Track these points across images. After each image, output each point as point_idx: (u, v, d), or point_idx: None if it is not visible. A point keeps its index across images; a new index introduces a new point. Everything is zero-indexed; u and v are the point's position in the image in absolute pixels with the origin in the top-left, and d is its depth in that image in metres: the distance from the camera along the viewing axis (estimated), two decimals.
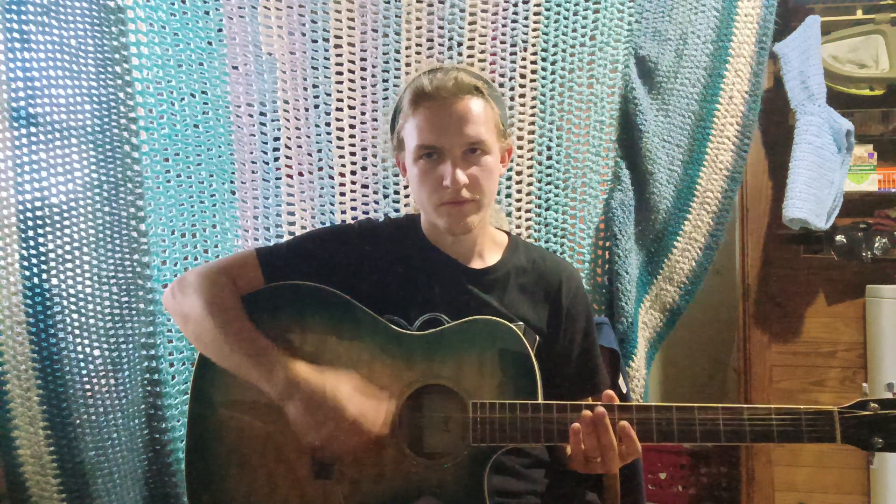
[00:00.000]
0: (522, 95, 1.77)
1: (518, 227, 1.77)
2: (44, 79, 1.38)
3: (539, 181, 1.78)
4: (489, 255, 1.34)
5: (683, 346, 2.87)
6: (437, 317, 1.25)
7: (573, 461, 1.16)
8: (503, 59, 1.75)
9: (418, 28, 1.71)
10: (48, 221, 1.39)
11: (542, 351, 1.26)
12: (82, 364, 1.42)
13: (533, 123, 1.77)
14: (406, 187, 1.72)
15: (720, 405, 1.07)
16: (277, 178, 1.68)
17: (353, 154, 1.72)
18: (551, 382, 1.24)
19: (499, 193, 1.74)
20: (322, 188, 1.71)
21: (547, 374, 1.20)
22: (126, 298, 1.48)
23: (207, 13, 1.59)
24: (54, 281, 1.40)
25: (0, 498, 1.38)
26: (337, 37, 1.68)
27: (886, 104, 2.36)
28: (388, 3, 1.69)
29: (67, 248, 1.41)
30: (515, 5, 1.74)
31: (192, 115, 1.58)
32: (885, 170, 2.36)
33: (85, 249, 1.43)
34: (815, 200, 2.13)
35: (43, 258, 1.39)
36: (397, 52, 1.71)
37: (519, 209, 1.78)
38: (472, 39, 1.74)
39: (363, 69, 1.70)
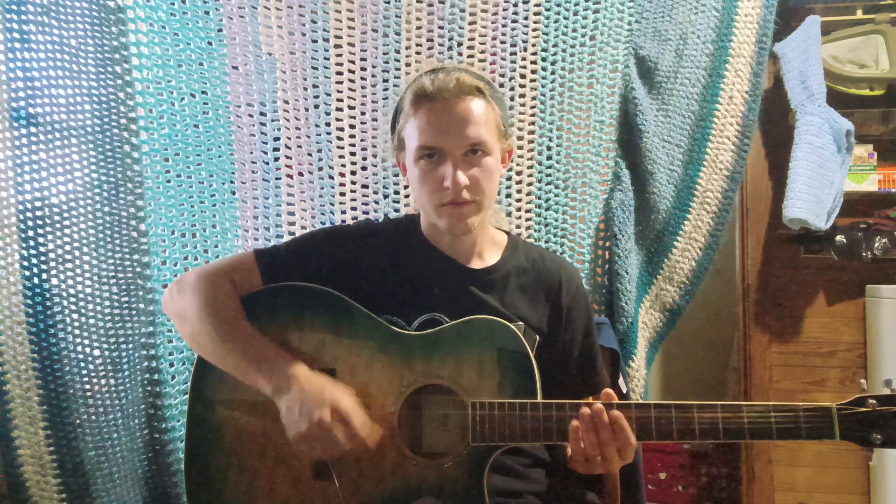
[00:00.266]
0: (522, 95, 1.77)
1: (518, 227, 1.77)
2: (44, 79, 1.38)
3: (539, 181, 1.78)
4: (489, 255, 1.34)
5: (683, 346, 2.87)
6: (436, 317, 1.25)
7: (573, 461, 1.16)
8: (503, 59, 1.75)
9: (418, 28, 1.71)
10: (48, 221, 1.39)
11: (542, 350, 1.26)
12: (82, 364, 1.42)
13: (533, 123, 1.77)
14: (406, 187, 1.72)
15: (719, 402, 1.07)
16: (277, 178, 1.68)
17: (353, 154, 1.72)
18: (551, 382, 1.24)
19: (499, 193, 1.74)
20: (322, 188, 1.71)
21: (547, 373, 1.20)
22: (126, 298, 1.48)
23: (207, 13, 1.59)
24: (54, 281, 1.40)
25: (0, 498, 1.39)
26: (337, 37, 1.68)
27: (886, 104, 2.36)
28: (388, 3, 1.69)
29: (67, 248, 1.41)
30: (515, 5, 1.74)
31: (192, 115, 1.58)
32: (885, 170, 2.36)
33: (85, 249, 1.43)
34: (815, 200, 2.13)
35: (43, 258, 1.39)
36: (397, 52, 1.71)
37: (519, 209, 1.78)
38: (472, 39, 1.74)
39: (363, 69, 1.70)
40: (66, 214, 1.41)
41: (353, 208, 1.73)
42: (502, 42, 1.75)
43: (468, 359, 1.18)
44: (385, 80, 1.71)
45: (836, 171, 2.18)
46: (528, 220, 1.79)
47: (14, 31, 1.35)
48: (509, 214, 1.77)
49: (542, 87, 1.76)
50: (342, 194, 1.72)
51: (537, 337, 1.27)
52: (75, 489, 1.41)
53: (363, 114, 1.71)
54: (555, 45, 1.76)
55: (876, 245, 2.34)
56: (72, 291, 1.42)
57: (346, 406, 1.11)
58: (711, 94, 1.84)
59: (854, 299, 2.43)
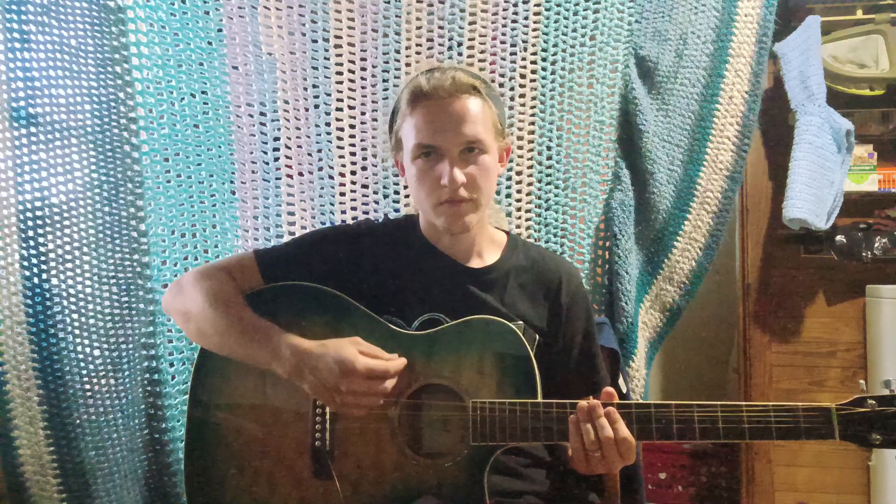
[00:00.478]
0: (522, 95, 1.77)
1: (518, 227, 1.77)
2: (44, 79, 1.38)
3: (539, 181, 1.78)
4: (488, 254, 1.34)
5: (683, 346, 2.88)
6: (436, 317, 1.25)
7: (574, 461, 1.16)
8: (503, 59, 1.75)
9: (418, 28, 1.71)
10: (48, 221, 1.39)
11: (541, 350, 1.26)
12: (82, 364, 1.42)
13: (533, 123, 1.77)
14: (406, 187, 1.72)
15: (719, 402, 1.07)
16: (277, 178, 1.68)
17: (353, 154, 1.72)
18: (551, 382, 1.24)
19: (498, 193, 1.74)
20: (322, 188, 1.71)
21: (547, 373, 1.20)
22: (126, 298, 1.48)
23: (207, 13, 1.59)
24: (54, 281, 1.40)
25: (0, 498, 1.39)
26: (337, 37, 1.68)
27: (886, 104, 2.36)
28: (388, 3, 1.69)
29: (67, 248, 1.41)
30: (515, 5, 1.74)
31: (192, 115, 1.58)
32: (885, 170, 2.36)
33: (85, 249, 1.43)
34: (815, 200, 2.13)
35: (43, 258, 1.39)
36: (397, 52, 1.71)
37: (519, 209, 1.78)
38: (472, 39, 1.74)
39: (363, 69, 1.70)
40: (66, 214, 1.41)
41: (353, 208, 1.73)
42: (502, 42, 1.75)
43: (468, 359, 1.18)
44: (385, 80, 1.71)
45: (836, 171, 2.18)
46: (528, 220, 1.79)
47: (14, 31, 1.35)
48: (509, 214, 1.77)
49: (542, 87, 1.76)
50: (342, 194, 1.72)
51: (537, 336, 1.27)
52: (75, 489, 1.41)
53: (363, 114, 1.71)
54: (555, 45, 1.76)
55: (876, 245, 2.34)
56: (72, 291, 1.42)
57: (362, 363, 1.11)
58: (711, 94, 1.84)
59: (854, 299, 2.43)
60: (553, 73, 1.76)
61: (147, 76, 1.51)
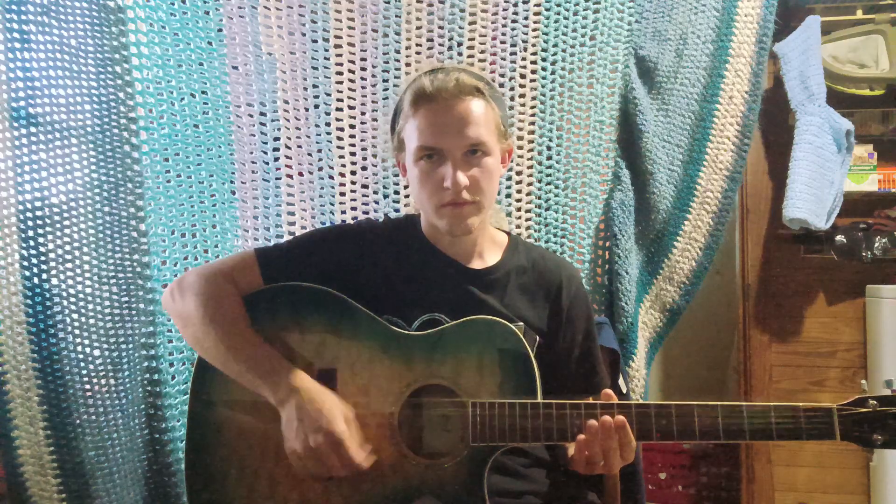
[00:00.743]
0: (522, 95, 1.77)
1: (518, 227, 1.77)
2: (44, 79, 1.38)
3: (539, 181, 1.78)
4: (489, 255, 1.34)
5: (683, 346, 2.87)
6: (436, 317, 1.25)
7: (575, 463, 1.16)
8: (503, 59, 1.75)
9: (418, 28, 1.71)
10: (48, 221, 1.39)
11: (542, 351, 1.26)
12: (82, 364, 1.42)
13: (533, 123, 1.77)
14: (406, 187, 1.72)
15: (719, 403, 1.07)
16: (277, 178, 1.68)
17: (353, 154, 1.72)
18: (551, 382, 1.24)
19: (499, 193, 1.74)
20: (322, 188, 1.71)
21: (547, 374, 1.20)
22: (126, 298, 1.48)
23: (207, 13, 1.59)
24: (54, 281, 1.40)
25: (0, 498, 1.38)
26: (337, 37, 1.68)
27: (886, 104, 2.36)
28: (388, 3, 1.69)
29: (67, 248, 1.41)
30: (515, 5, 1.74)
31: (192, 115, 1.58)
32: (885, 170, 2.36)
33: (85, 249, 1.43)
34: (815, 200, 2.13)
35: (43, 258, 1.39)
36: (397, 52, 1.71)
37: (519, 209, 1.78)
38: (472, 39, 1.74)
39: (363, 69, 1.70)
40: (66, 214, 1.41)
41: (353, 208, 1.73)
42: (502, 42, 1.75)
43: (468, 359, 1.18)
44: (385, 80, 1.71)
45: (836, 171, 2.18)
46: (528, 220, 1.79)
47: (14, 31, 1.35)
48: (509, 214, 1.77)
49: (542, 87, 1.76)
50: (342, 194, 1.72)
51: (537, 337, 1.27)
52: (75, 489, 1.41)
53: (363, 114, 1.71)
54: (555, 45, 1.76)
55: (876, 245, 2.34)
56: (72, 291, 1.42)
57: (342, 432, 1.11)
58: (711, 94, 1.84)
59: (854, 299, 2.43)
60: (553, 73, 1.76)
61: (147, 76, 1.51)
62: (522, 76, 1.76)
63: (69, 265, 1.41)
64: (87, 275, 1.43)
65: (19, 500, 1.37)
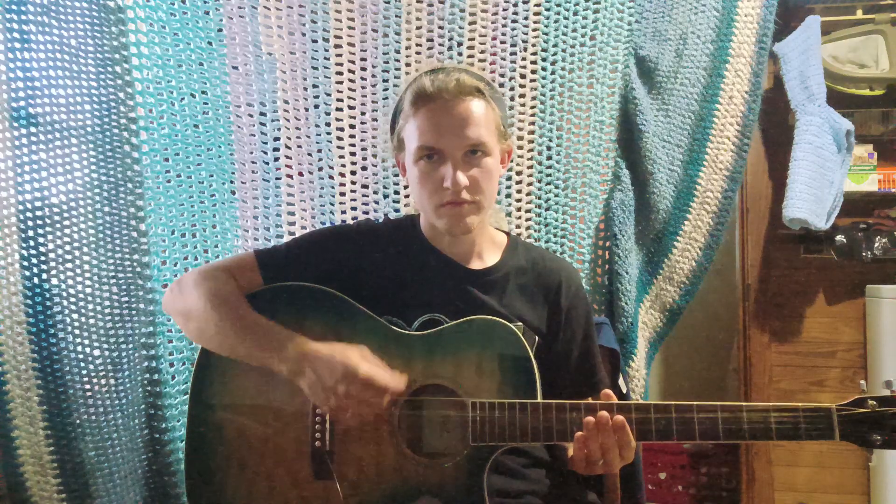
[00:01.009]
0: (522, 95, 1.77)
1: (518, 227, 1.77)
2: (44, 79, 1.38)
3: (539, 181, 1.78)
4: (488, 255, 1.34)
5: (683, 346, 2.88)
6: (436, 317, 1.25)
7: (574, 463, 1.16)
8: (503, 59, 1.75)
9: (418, 28, 1.71)
10: (48, 221, 1.39)
11: (541, 351, 1.26)
12: (82, 364, 1.42)
13: (533, 123, 1.77)
14: (406, 187, 1.72)
15: (719, 403, 1.07)
16: (277, 178, 1.68)
17: (353, 154, 1.72)
18: (551, 383, 1.24)
19: (499, 193, 1.74)
20: (322, 188, 1.71)
21: (546, 374, 1.20)
22: (126, 298, 1.48)
23: (207, 13, 1.59)
24: (54, 281, 1.40)
25: (0, 498, 1.39)
26: (337, 37, 1.68)
27: (886, 104, 2.36)
28: (388, 3, 1.68)
29: (67, 248, 1.41)
30: (515, 5, 1.74)
31: (192, 115, 1.58)
32: (885, 170, 2.36)
33: (85, 249, 1.43)
34: (815, 200, 2.13)
35: (43, 258, 1.39)
36: (397, 52, 1.71)
37: (519, 209, 1.78)
38: (472, 39, 1.74)
39: (363, 69, 1.70)
40: (66, 214, 1.41)
41: (353, 208, 1.73)
42: (502, 42, 1.75)
43: (468, 359, 1.18)
44: (385, 80, 1.71)
45: (836, 171, 2.18)
46: (528, 220, 1.79)
47: (14, 31, 1.35)
48: (509, 214, 1.77)
49: (542, 87, 1.76)
50: (342, 194, 1.72)
51: (536, 338, 1.27)
52: (75, 489, 1.41)
53: (363, 114, 1.71)
54: (555, 45, 1.76)
55: (876, 245, 2.35)
56: (72, 291, 1.42)
57: (366, 371, 1.11)
58: (711, 94, 1.84)
59: (854, 299, 2.43)
60: (553, 73, 1.76)
61: (147, 76, 1.51)
62: (522, 76, 1.76)
63: (69, 265, 1.41)
64: (87, 275, 1.43)
65: (19, 500, 1.37)
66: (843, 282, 2.44)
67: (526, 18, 1.75)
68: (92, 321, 1.43)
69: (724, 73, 1.83)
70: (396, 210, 1.74)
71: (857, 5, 2.33)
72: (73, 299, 1.42)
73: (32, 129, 1.38)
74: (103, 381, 1.44)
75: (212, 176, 1.62)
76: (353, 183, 1.72)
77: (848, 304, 2.44)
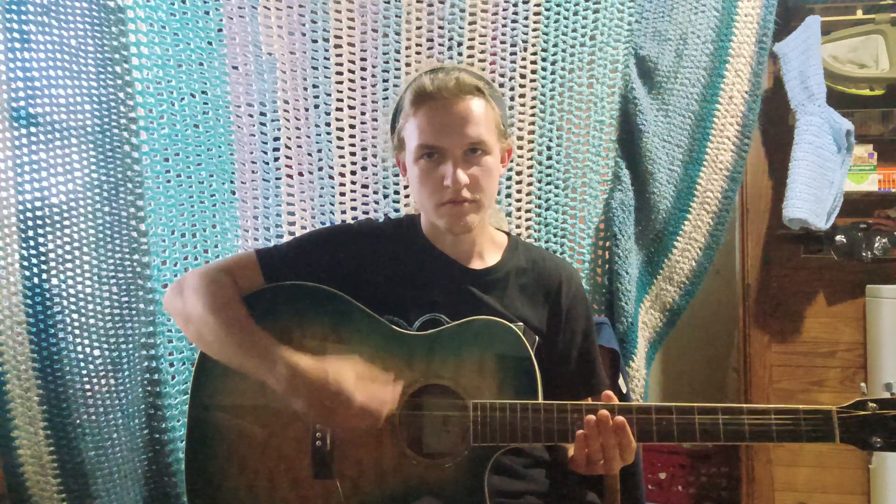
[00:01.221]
0: (522, 95, 1.77)
1: (518, 227, 1.77)
2: (44, 79, 1.38)
3: (539, 181, 1.78)
4: (489, 255, 1.34)
5: (683, 346, 2.88)
6: (436, 317, 1.25)
7: (574, 463, 1.16)
8: (503, 59, 1.75)
9: (418, 28, 1.71)
10: (48, 221, 1.39)
11: (541, 351, 1.26)
12: (82, 364, 1.42)
13: (533, 123, 1.77)
14: (406, 187, 1.72)
15: (719, 405, 1.07)
16: (277, 178, 1.68)
17: (353, 154, 1.72)
18: (551, 383, 1.24)
19: (499, 193, 1.74)
20: (322, 188, 1.71)
21: (546, 374, 1.20)
22: (126, 298, 1.48)
23: (207, 13, 1.59)
24: (54, 281, 1.40)
25: (0, 498, 1.38)
26: (337, 37, 1.68)
27: (886, 104, 2.36)
28: (388, 3, 1.69)
29: (67, 248, 1.41)
30: (515, 5, 1.74)
31: (192, 115, 1.58)
32: (885, 170, 2.36)
33: (85, 249, 1.43)
34: (815, 200, 2.13)
35: (43, 258, 1.39)
36: (397, 52, 1.71)
37: (519, 209, 1.78)
38: (472, 39, 1.74)
39: (363, 69, 1.70)
40: (66, 214, 1.41)
41: (353, 208, 1.73)
42: (502, 42, 1.75)
43: (469, 359, 1.18)
44: (385, 80, 1.71)
45: (836, 171, 2.18)
46: (528, 220, 1.79)
47: (14, 31, 1.35)
48: (509, 214, 1.77)
49: (542, 87, 1.76)
50: (342, 194, 1.72)
51: (537, 338, 1.27)
52: (75, 489, 1.41)
53: (363, 114, 1.71)
54: (555, 45, 1.76)
55: (876, 245, 2.35)
56: (72, 291, 1.42)
57: (359, 401, 1.10)
58: (711, 94, 1.84)
59: (854, 299, 2.43)
60: (553, 73, 1.76)
61: (147, 76, 1.51)
62: (522, 76, 1.76)
63: (69, 265, 1.41)
64: (87, 275, 1.43)
65: (19, 500, 1.37)
66: (843, 282, 2.44)
67: (526, 18, 1.75)
68: (92, 321, 1.43)
69: (724, 73, 1.83)
70: (396, 210, 1.74)
71: (857, 5, 2.33)
72: (73, 299, 1.42)
73: (32, 129, 1.38)
74: (103, 381, 1.44)
75: (212, 176, 1.62)
76: (353, 183, 1.72)
77: (848, 304, 2.44)
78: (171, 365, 1.55)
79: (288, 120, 1.67)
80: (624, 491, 1.44)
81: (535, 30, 1.75)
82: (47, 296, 1.39)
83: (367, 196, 1.73)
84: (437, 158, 1.21)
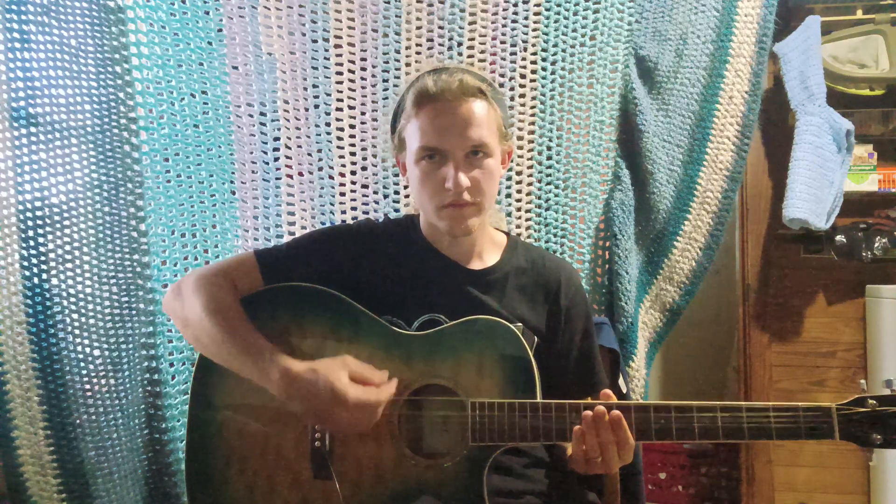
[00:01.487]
0: (522, 95, 1.77)
1: (518, 227, 1.77)
2: (44, 79, 1.38)
3: (539, 181, 1.78)
4: (488, 255, 1.34)
5: (683, 346, 2.87)
6: (435, 318, 1.25)
7: (573, 462, 1.16)
8: (503, 59, 1.75)
9: (418, 28, 1.71)
10: (48, 221, 1.39)
11: (541, 351, 1.26)
12: (82, 364, 1.42)
13: (533, 123, 1.77)
14: (406, 187, 1.72)
15: (719, 403, 1.07)
16: (277, 178, 1.68)
17: (353, 154, 1.72)
18: (550, 383, 1.24)
19: (499, 194, 1.74)
20: (322, 188, 1.71)
21: (545, 374, 1.20)
22: (126, 298, 1.48)
23: (207, 13, 1.59)
24: (54, 281, 1.40)
25: (0, 498, 1.39)
26: (337, 37, 1.68)
27: (886, 104, 2.36)
28: (388, 3, 1.69)
29: (67, 248, 1.41)
30: (515, 5, 1.74)
31: (192, 115, 1.58)
32: (885, 170, 2.36)
33: (85, 249, 1.43)
34: (815, 200, 2.13)
35: (43, 258, 1.39)
36: (397, 52, 1.71)
37: (519, 209, 1.78)
38: (472, 39, 1.74)
39: (363, 69, 1.70)
40: (66, 214, 1.41)
41: (353, 208, 1.73)
42: (502, 42, 1.75)
43: (468, 359, 1.18)
44: (385, 80, 1.71)
45: (836, 171, 2.18)
46: (528, 220, 1.79)
47: (14, 31, 1.35)
48: (509, 214, 1.77)
49: (542, 87, 1.76)
50: (342, 194, 1.72)
51: (536, 338, 1.27)
52: (75, 489, 1.41)
53: (363, 114, 1.71)
54: (555, 45, 1.76)
55: (876, 245, 2.34)
56: (72, 291, 1.42)
57: (354, 395, 1.10)
58: (711, 94, 1.84)
59: (854, 299, 2.43)
60: (553, 73, 1.76)
61: (147, 76, 1.51)
62: (522, 76, 1.76)
63: (69, 265, 1.41)
64: (87, 275, 1.43)
65: (19, 500, 1.37)
66: (843, 282, 2.44)
67: (526, 18, 1.75)
68: (92, 321, 1.43)
69: (724, 73, 1.83)
70: (396, 210, 1.74)
71: (857, 5, 2.33)
72: (73, 299, 1.42)
73: (32, 129, 1.38)
74: (103, 381, 1.45)
75: (212, 176, 1.62)
76: (353, 183, 1.72)
77: (848, 304, 2.43)
78: (171, 365, 1.55)
79: (288, 120, 1.67)
80: (624, 491, 1.44)
81: (535, 30, 1.76)
82: (47, 296, 1.39)
83: (367, 196, 1.73)
84: (439, 160, 1.20)
